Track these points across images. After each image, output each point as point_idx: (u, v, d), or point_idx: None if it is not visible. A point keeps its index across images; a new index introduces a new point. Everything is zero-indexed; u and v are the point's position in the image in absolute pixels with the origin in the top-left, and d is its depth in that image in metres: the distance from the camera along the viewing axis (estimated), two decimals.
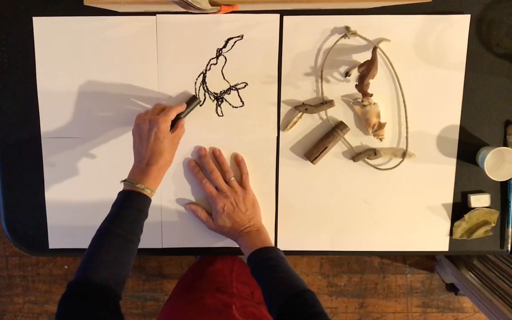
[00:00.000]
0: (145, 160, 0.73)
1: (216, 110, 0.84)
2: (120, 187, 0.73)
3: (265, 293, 0.70)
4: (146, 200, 0.72)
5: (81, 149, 0.85)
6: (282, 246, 0.88)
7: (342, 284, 1.77)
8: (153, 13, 0.81)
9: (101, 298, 0.61)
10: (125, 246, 0.67)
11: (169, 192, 0.87)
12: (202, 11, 0.62)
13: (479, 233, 0.86)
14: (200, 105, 0.83)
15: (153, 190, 0.73)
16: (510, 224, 0.87)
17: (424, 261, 1.76)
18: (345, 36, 0.80)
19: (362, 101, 0.80)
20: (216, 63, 0.82)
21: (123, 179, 0.73)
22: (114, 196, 0.85)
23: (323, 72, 0.82)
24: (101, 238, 0.67)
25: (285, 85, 0.83)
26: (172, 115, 0.76)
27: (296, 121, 0.84)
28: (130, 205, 0.70)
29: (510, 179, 0.86)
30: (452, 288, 1.77)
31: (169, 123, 0.75)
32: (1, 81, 0.84)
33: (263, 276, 0.72)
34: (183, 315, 0.83)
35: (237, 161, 0.85)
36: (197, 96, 0.83)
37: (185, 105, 0.80)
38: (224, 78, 0.83)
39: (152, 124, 0.73)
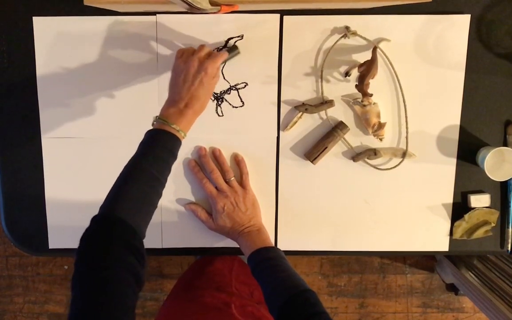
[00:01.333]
0: (184, 101, 0.70)
1: (216, 110, 0.84)
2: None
3: (265, 293, 0.70)
4: (178, 142, 0.69)
5: (81, 149, 0.85)
6: (282, 246, 0.88)
7: (342, 284, 1.77)
8: (153, 13, 0.81)
9: (124, 234, 0.58)
10: (154, 185, 0.64)
11: (169, 192, 0.87)
12: (202, 11, 0.62)
13: (479, 233, 0.86)
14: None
15: (186, 133, 0.70)
16: (510, 224, 0.87)
17: (424, 261, 1.76)
18: (345, 36, 0.80)
19: (362, 101, 0.80)
20: None
21: (157, 116, 0.70)
22: None
23: (323, 72, 0.82)
24: (130, 174, 0.63)
25: (285, 85, 0.83)
26: (220, 61, 0.74)
27: (296, 121, 0.84)
28: (163, 144, 0.66)
29: (510, 179, 0.86)
30: (452, 288, 1.76)
31: (216, 70, 0.73)
32: (1, 81, 0.84)
33: (263, 276, 0.72)
34: (182, 313, 0.83)
35: (237, 161, 0.85)
36: (237, 46, 0.80)
37: (227, 54, 0.78)
38: (224, 78, 0.83)
39: (201, 68, 0.71)
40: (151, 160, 0.64)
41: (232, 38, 0.81)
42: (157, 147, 0.66)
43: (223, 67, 0.78)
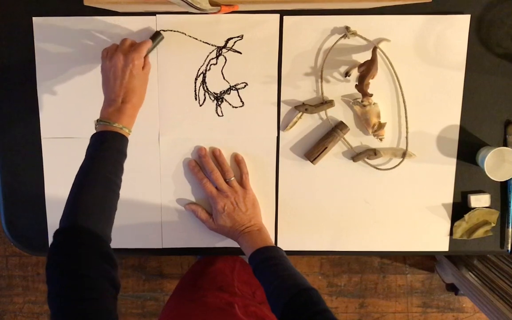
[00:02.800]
0: (120, 98, 0.71)
1: (216, 110, 0.84)
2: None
3: (267, 293, 0.70)
4: (125, 140, 0.69)
5: (81, 149, 0.85)
6: (282, 246, 0.88)
7: (342, 284, 1.77)
8: (153, 13, 0.81)
9: (91, 242, 0.58)
10: (109, 188, 0.64)
11: (169, 192, 0.87)
12: (202, 11, 0.62)
13: (479, 233, 0.86)
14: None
15: (130, 129, 0.70)
16: (510, 224, 0.87)
17: (424, 261, 1.76)
18: (345, 36, 0.80)
19: (362, 101, 0.80)
20: (216, 63, 0.82)
21: (97, 119, 0.70)
22: None
23: (323, 72, 0.82)
24: (84, 181, 0.63)
25: (285, 85, 0.83)
26: (144, 50, 0.74)
27: (296, 121, 0.84)
28: (110, 145, 0.66)
29: (510, 179, 0.86)
30: (452, 288, 1.76)
31: (142, 60, 0.73)
32: (1, 81, 0.84)
33: (265, 275, 0.72)
34: (185, 314, 0.83)
35: (237, 161, 0.85)
36: (160, 32, 0.80)
37: (150, 42, 0.77)
38: (224, 78, 0.83)
39: (127, 61, 0.71)
40: (102, 163, 0.64)
41: (232, 38, 0.81)
42: (105, 150, 0.66)
43: (148, 53, 0.77)
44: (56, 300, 0.53)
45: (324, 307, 0.63)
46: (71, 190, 0.63)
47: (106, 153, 0.66)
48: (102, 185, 0.63)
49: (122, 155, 0.68)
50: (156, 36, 0.80)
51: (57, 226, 0.70)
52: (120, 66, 0.71)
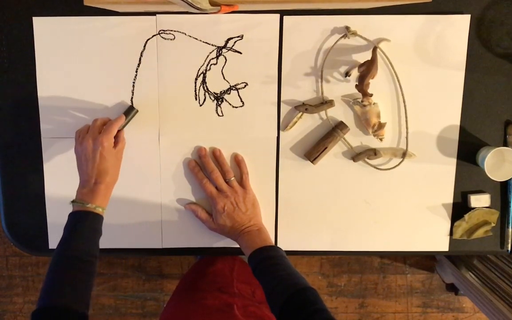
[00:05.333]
0: (93, 180, 0.74)
1: (216, 110, 0.84)
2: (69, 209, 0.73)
3: (266, 292, 0.70)
4: (99, 218, 0.73)
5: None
6: (282, 246, 0.88)
7: (342, 284, 1.77)
8: (153, 13, 0.81)
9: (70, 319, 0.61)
10: (84, 268, 0.67)
11: (169, 192, 0.87)
12: (202, 11, 0.62)
13: (479, 233, 0.86)
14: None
15: (104, 207, 0.74)
16: (510, 224, 0.87)
17: (424, 261, 1.76)
18: (345, 36, 0.80)
19: (362, 101, 0.80)
20: (216, 63, 0.82)
21: (72, 200, 0.73)
22: (113, 196, 0.85)
23: (323, 72, 0.82)
24: (59, 264, 0.67)
25: (285, 85, 0.83)
26: (114, 130, 0.76)
27: (296, 121, 0.84)
28: (83, 225, 0.70)
29: (510, 179, 0.86)
30: (452, 288, 1.77)
31: (112, 140, 0.76)
32: (1, 81, 0.84)
33: (264, 275, 0.72)
34: (185, 315, 0.83)
35: (237, 161, 0.85)
36: (133, 106, 0.82)
37: (124, 117, 0.80)
38: (224, 78, 0.83)
39: (96, 144, 0.74)
40: (76, 243, 0.68)
41: (232, 38, 0.81)
42: (80, 230, 0.70)
43: (122, 128, 0.80)
44: None
45: (321, 307, 0.63)
46: (48, 269, 0.67)
47: (80, 233, 0.70)
48: (77, 265, 0.67)
49: (97, 233, 0.72)
50: (129, 111, 0.82)
51: (57, 226, 0.71)
52: (90, 149, 0.74)
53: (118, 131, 0.79)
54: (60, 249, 0.68)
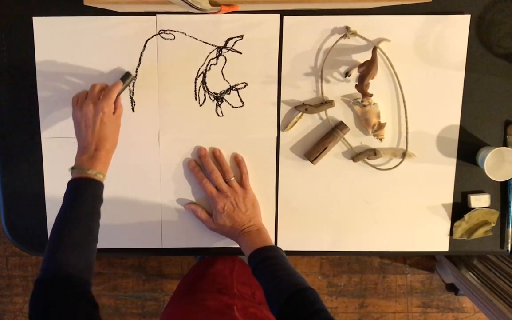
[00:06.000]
0: (93, 146, 0.72)
1: (216, 110, 0.84)
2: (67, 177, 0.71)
3: (266, 292, 0.70)
4: (100, 185, 0.71)
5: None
6: (282, 246, 0.88)
7: (342, 284, 1.77)
8: (153, 13, 0.81)
9: (71, 288, 0.60)
10: (86, 234, 0.66)
11: (169, 192, 0.87)
12: (202, 11, 0.62)
13: (479, 233, 0.86)
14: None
15: (104, 174, 0.72)
16: (510, 224, 0.87)
17: (424, 261, 1.76)
18: (345, 36, 0.80)
19: (362, 101, 0.80)
20: (216, 63, 0.82)
21: (71, 167, 0.72)
22: (113, 196, 0.85)
23: (323, 72, 0.82)
24: (63, 230, 0.65)
25: (285, 85, 0.83)
26: (114, 96, 0.75)
27: (296, 121, 0.84)
28: (85, 192, 0.68)
29: (510, 179, 0.86)
30: (452, 288, 1.77)
31: (112, 106, 0.75)
32: (1, 81, 0.84)
33: (264, 275, 0.72)
34: (185, 317, 0.83)
35: (237, 161, 0.85)
36: (129, 72, 0.81)
37: (121, 83, 0.79)
38: (224, 78, 0.83)
39: (97, 110, 0.72)
40: (78, 210, 0.67)
41: (232, 38, 0.81)
42: (81, 197, 0.68)
43: (119, 95, 0.78)
44: None
45: (320, 307, 0.62)
46: (50, 237, 0.65)
47: (82, 200, 0.68)
48: (80, 231, 0.65)
49: (98, 200, 0.70)
50: (126, 77, 0.81)
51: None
52: (90, 115, 0.73)
53: (116, 97, 0.77)
54: (61, 217, 0.67)
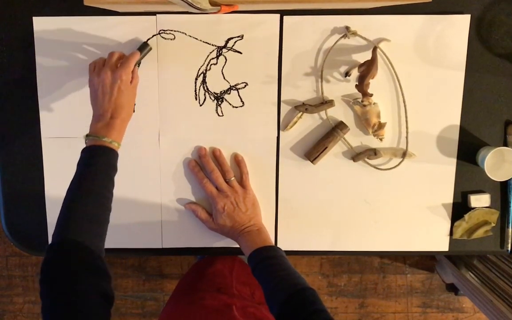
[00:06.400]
0: (109, 113, 0.72)
1: (216, 110, 0.84)
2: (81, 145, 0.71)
3: (266, 292, 0.70)
4: (115, 154, 0.70)
5: (81, 149, 0.85)
6: (282, 246, 0.88)
7: (342, 284, 1.77)
8: (153, 13, 0.81)
9: (83, 257, 0.59)
10: (100, 202, 0.65)
11: (169, 191, 0.87)
12: (202, 11, 0.62)
13: (479, 233, 0.86)
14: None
15: (119, 142, 0.72)
16: (510, 224, 0.87)
17: (424, 261, 1.76)
18: (345, 36, 0.80)
19: (362, 101, 0.80)
20: (216, 63, 0.82)
21: (86, 134, 0.71)
22: (113, 196, 0.84)
23: (323, 72, 0.82)
24: (76, 196, 0.64)
25: (285, 85, 0.83)
26: (132, 65, 0.74)
27: (296, 121, 0.84)
28: (100, 160, 0.68)
29: (510, 179, 0.86)
30: (452, 288, 1.76)
31: (130, 75, 0.74)
32: (1, 81, 0.84)
33: (263, 275, 0.72)
34: (184, 316, 0.83)
35: (237, 161, 0.85)
36: (147, 43, 0.80)
37: (138, 53, 0.78)
38: (224, 78, 0.83)
39: (115, 78, 0.72)
40: (92, 178, 0.66)
41: (232, 38, 0.81)
42: (95, 164, 0.67)
43: (139, 65, 0.78)
44: (47, 315, 0.54)
45: (320, 307, 0.62)
46: (63, 204, 0.64)
47: (96, 167, 0.67)
48: (93, 199, 0.64)
49: (113, 169, 0.70)
50: (144, 47, 0.80)
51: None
52: (108, 82, 0.72)
53: (134, 67, 0.76)
54: (75, 184, 0.66)
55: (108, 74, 0.72)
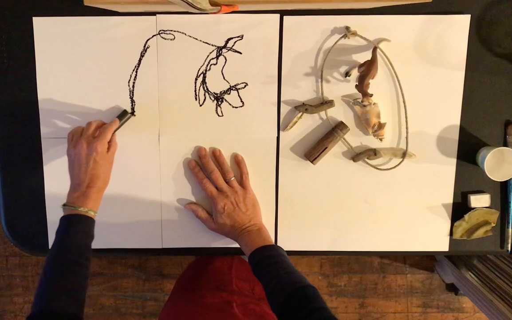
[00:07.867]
0: (85, 184, 0.74)
1: (216, 110, 0.84)
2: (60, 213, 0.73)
3: (267, 291, 0.70)
4: (91, 222, 0.72)
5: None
6: (282, 246, 0.88)
7: (342, 284, 1.77)
8: (153, 13, 0.81)
9: None
10: (77, 271, 0.67)
11: (169, 192, 0.87)
12: (202, 11, 0.62)
13: (479, 233, 0.86)
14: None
15: (95, 211, 0.74)
16: (510, 224, 0.87)
17: (424, 261, 1.76)
18: (345, 36, 0.80)
19: (362, 101, 0.80)
20: (216, 63, 0.82)
21: (63, 203, 0.73)
22: (113, 196, 0.85)
23: (323, 72, 0.82)
24: (53, 268, 0.67)
25: (285, 85, 0.83)
26: (109, 136, 0.76)
27: (296, 121, 0.84)
28: (76, 229, 0.70)
29: (510, 179, 0.86)
30: (452, 288, 1.77)
31: (106, 145, 0.76)
32: (1, 81, 0.84)
33: (264, 274, 0.72)
34: (185, 315, 0.83)
35: (237, 161, 0.85)
36: (127, 111, 0.82)
37: (117, 121, 0.80)
38: (224, 78, 0.83)
39: (90, 149, 0.74)
40: (69, 248, 0.68)
41: (232, 38, 0.81)
42: (72, 234, 0.70)
43: (116, 131, 0.79)
44: None
45: (320, 305, 0.63)
46: (42, 274, 0.67)
47: (72, 237, 0.69)
48: (71, 269, 0.67)
49: (89, 237, 0.72)
50: (123, 115, 0.81)
51: (57, 226, 0.71)
52: (84, 154, 0.74)
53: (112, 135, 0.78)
54: (53, 253, 0.68)
55: (84, 147, 0.74)
